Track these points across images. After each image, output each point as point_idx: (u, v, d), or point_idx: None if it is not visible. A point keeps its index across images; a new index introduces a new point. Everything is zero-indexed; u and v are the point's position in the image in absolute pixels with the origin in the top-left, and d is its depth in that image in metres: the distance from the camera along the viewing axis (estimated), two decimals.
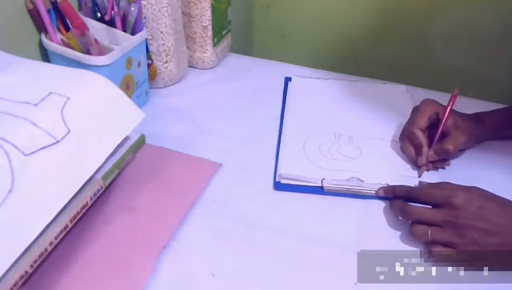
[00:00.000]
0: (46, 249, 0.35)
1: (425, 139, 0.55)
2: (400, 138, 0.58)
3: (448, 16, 0.91)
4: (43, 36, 0.54)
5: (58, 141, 0.36)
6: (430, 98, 0.57)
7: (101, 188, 0.41)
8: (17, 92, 0.38)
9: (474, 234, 0.41)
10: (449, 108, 0.54)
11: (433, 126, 0.56)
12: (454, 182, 0.47)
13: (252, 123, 0.63)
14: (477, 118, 0.57)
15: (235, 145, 0.58)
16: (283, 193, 0.51)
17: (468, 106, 0.58)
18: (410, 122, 0.57)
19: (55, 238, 0.36)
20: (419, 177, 0.54)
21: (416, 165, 0.55)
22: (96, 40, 0.53)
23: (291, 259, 0.44)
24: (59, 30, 0.55)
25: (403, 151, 0.57)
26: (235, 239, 0.45)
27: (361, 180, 0.52)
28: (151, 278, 0.41)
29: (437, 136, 0.54)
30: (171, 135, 0.59)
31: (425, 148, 0.54)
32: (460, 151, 0.57)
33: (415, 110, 0.57)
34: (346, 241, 0.46)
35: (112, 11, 0.57)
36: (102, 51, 0.54)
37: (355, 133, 0.61)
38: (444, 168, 0.56)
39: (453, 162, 0.56)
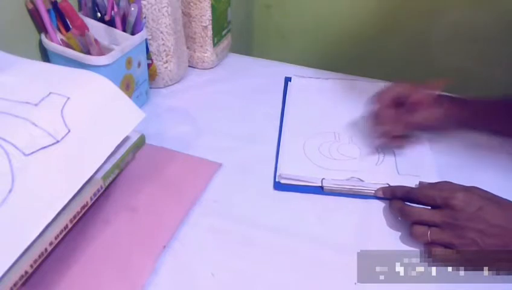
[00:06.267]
0: (46, 249, 0.35)
1: (389, 115, 0.56)
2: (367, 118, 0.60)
3: (448, 16, 0.91)
4: (43, 36, 0.54)
5: (58, 141, 0.36)
6: None
7: (101, 188, 0.41)
8: (17, 92, 0.38)
9: (473, 236, 0.41)
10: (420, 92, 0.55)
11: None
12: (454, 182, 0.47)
13: (252, 123, 0.63)
14: (457, 100, 0.56)
15: (235, 145, 0.58)
16: (283, 193, 0.51)
17: None
18: (374, 101, 0.58)
19: (55, 238, 0.36)
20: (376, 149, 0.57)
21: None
22: (96, 40, 0.53)
23: (291, 259, 0.44)
24: (59, 30, 0.55)
25: (369, 128, 0.59)
26: (235, 239, 0.45)
27: (361, 180, 0.52)
28: (151, 278, 0.41)
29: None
30: (171, 135, 0.59)
31: (386, 126, 0.56)
32: (436, 129, 0.58)
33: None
34: (346, 241, 0.46)
35: (112, 11, 0.57)
36: (102, 51, 0.54)
37: (355, 132, 0.61)
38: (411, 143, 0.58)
39: (452, 162, 0.56)
